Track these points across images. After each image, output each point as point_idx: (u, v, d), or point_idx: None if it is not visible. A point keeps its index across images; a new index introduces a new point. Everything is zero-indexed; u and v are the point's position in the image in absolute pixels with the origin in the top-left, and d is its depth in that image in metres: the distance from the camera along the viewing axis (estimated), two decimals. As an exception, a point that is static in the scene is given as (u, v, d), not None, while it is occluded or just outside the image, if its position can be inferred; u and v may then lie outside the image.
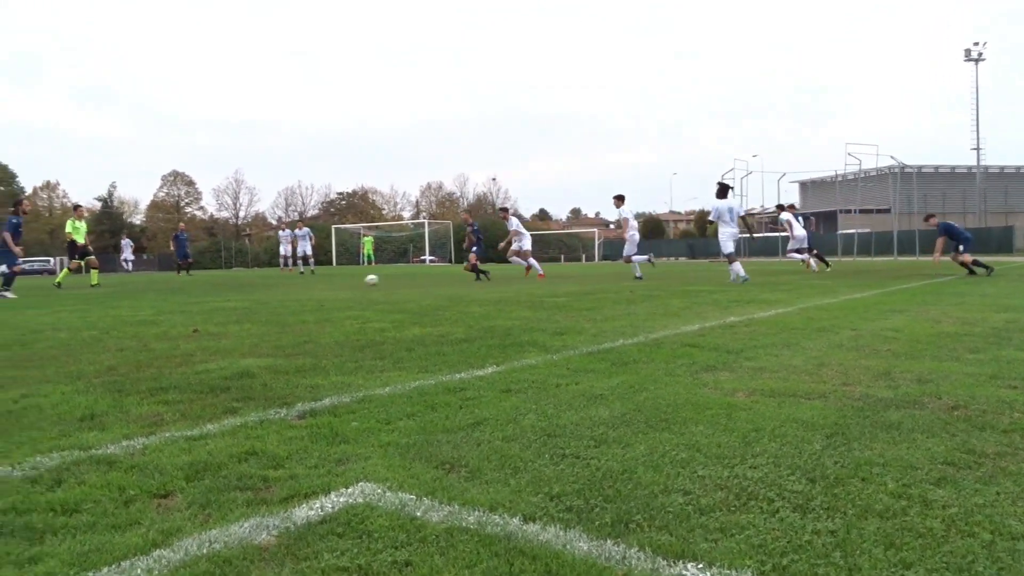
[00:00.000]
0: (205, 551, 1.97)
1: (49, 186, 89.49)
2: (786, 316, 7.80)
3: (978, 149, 65.69)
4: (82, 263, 19.88)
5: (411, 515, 2.21)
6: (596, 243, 67.60)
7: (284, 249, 32.16)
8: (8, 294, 14.88)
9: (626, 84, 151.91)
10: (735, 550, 1.94)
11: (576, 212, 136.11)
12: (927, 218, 18.06)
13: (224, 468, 2.68)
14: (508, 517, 2.18)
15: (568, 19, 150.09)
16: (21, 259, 16.48)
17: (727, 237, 15.67)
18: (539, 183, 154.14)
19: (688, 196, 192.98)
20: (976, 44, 65.54)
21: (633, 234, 18.14)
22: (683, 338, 6.02)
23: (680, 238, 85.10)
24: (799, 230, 21.34)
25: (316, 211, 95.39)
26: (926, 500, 2.28)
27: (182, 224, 41.15)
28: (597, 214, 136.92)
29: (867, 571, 1.81)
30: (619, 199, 17.79)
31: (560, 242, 70.47)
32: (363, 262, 47.76)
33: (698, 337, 6.07)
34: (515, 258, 20.48)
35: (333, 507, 2.28)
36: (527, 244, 20.14)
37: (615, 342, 5.80)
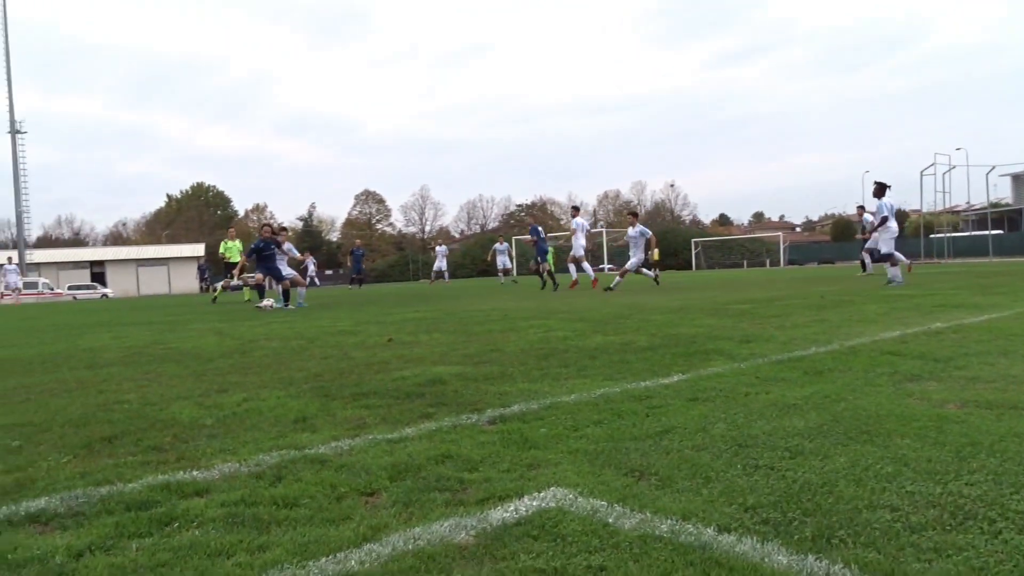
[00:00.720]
0: (411, 547, 2.09)
1: (258, 208, 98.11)
2: (1001, 321, 7.11)
3: None
4: (233, 279, 21.46)
5: (603, 521, 2.23)
6: (781, 247, 64.75)
7: (438, 264, 33.66)
8: (290, 305, 15.25)
9: (808, 79, 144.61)
10: (952, 572, 1.81)
11: (759, 216, 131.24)
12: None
13: (423, 469, 2.83)
14: (702, 527, 2.15)
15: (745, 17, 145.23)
16: (235, 280, 17.81)
17: (889, 236, 14.88)
18: (720, 188, 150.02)
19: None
20: None
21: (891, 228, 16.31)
22: (883, 345, 5.66)
23: (874, 239, 79.67)
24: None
25: (496, 223, 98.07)
26: None
27: (358, 241, 43.76)
28: (781, 217, 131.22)
29: (1113, 603, 1.63)
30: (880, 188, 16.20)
31: (742, 247, 68.21)
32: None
33: (900, 344, 5.68)
34: (570, 265, 20.35)
35: (527, 510, 2.35)
36: (579, 250, 19.95)
37: (807, 350, 5.55)
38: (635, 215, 19.37)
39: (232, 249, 21.95)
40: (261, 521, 2.35)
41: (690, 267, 58.51)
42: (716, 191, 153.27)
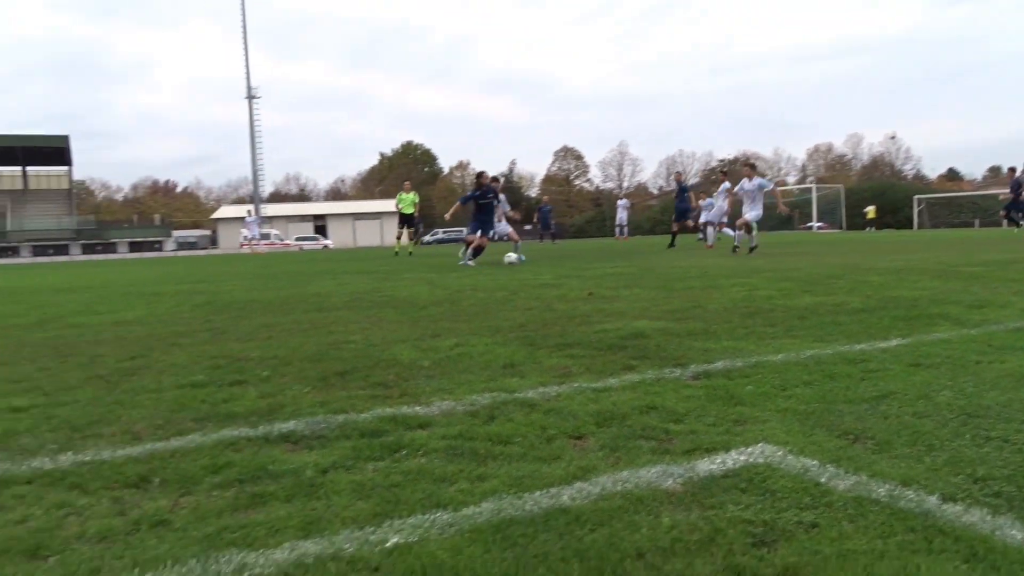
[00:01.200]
0: (619, 489, 2.16)
1: (462, 165, 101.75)
2: None
3: None
4: (407, 232, 21.94)
5: (815, 480, 2.19)
6: (1022, 205, 57.97)
7: (620, 217, 32.21)
8: (471, 263, 14.47)
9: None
10: None
11: (995, 170, 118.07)
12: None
13: (628, 418, 2.89)
14: (924, 494, 2.06)
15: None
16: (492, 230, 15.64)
17: None
18: (949, 140, 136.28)
19: None
20: None
21: None
22: None
23: None
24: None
25: (697, 179, 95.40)
26: None
27: (545, 197, 44.00)
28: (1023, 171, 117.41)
29: None
30: None
31: (974, 204, 61.79)
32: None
33: None
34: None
35: (734, 463, 2.35)
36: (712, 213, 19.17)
37: (1051, 318, 5.01)
38: (753, 167, 17.46)
39: (405, 201, 22.51)
40: (478, 455, 2.52)
41: (910, 226, 53.97)
42: (945, 143, 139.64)
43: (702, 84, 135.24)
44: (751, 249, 15.68)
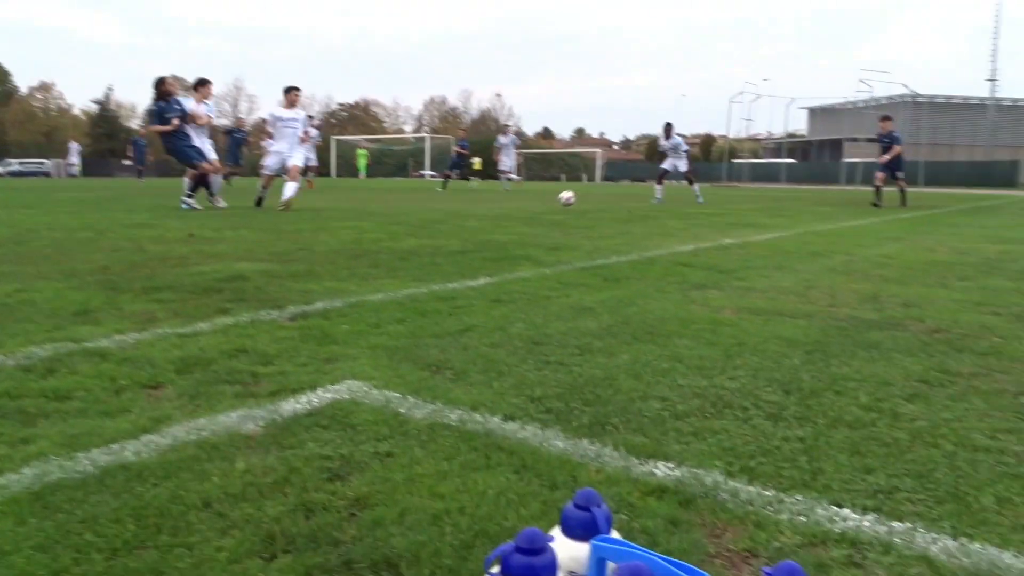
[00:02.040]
0: (193, 438, 2.03)
1: (44, 86, 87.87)
2: (782, 240, 7.81)
3: (993, 80, 64.36)
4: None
5: (395, 411, 2.27)
6: (598, 163, 66.96)
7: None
8: (193, 203, 11.36)
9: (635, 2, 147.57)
10: (705, 452, 2.00)
11: (580, 132, 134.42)
12: (883, 119, 16.44)
13: (214, 363, 2.74)
14: (489, 416, 2.24)
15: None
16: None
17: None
18: (544, 102, 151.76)
19: (695, 120, 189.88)
20: (999, -32, 63.45)
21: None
22: (677, 257, 6.05)
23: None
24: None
25: (319, 121, 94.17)
26: (896, 413, 2.34)
27: (141, 130, 40.74)
28: (601, 134, 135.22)
29: (830, 474, 1.87)
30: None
31: (562, 161, 69.80)
32: (360, 175, 47.29)
33: (692, 257, 6.10)
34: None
35: (319, 402, 2.34)
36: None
37: (608, 259, 5.83)
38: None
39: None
40: (27, 414, 2.19)
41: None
42: (541, 104, 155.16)
43: (326, 24, 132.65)
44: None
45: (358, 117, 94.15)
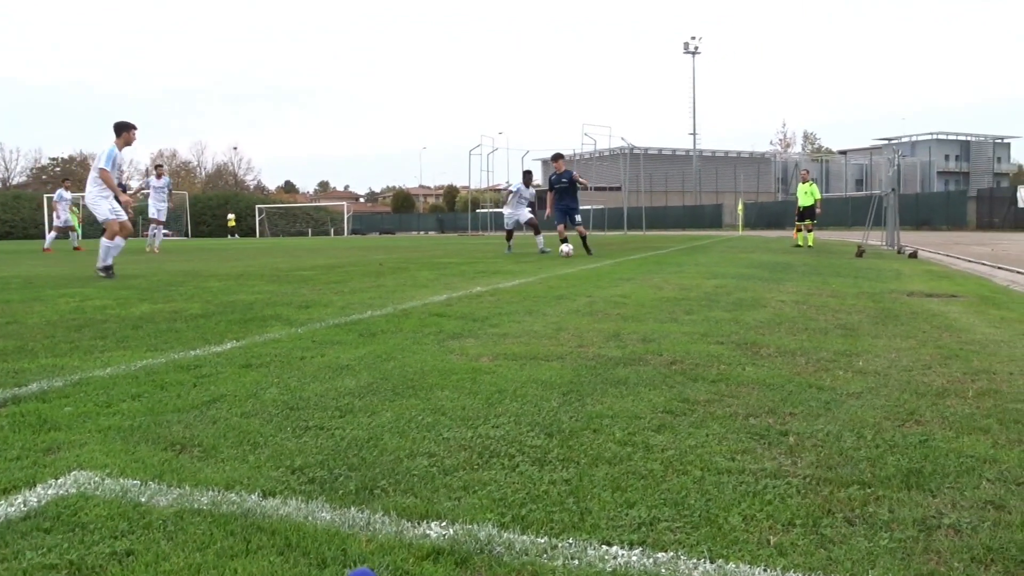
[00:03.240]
0: None
1: None
2: (528, 285, 8.16)
3: (695, 134, 72.88)
4: None
5: (134, 501, 2.01)
6: (345, 216, 66.49)
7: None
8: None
9: (378, 59, 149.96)
10: (477, 505, 1.98)
11: (324, 185, 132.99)
12: (555, 158, 16.02)
13: None
14: (246, 494, 2.06)
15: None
16: None
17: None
18: (286, 155, 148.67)
19: (438, 171, 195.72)
20: (693, 39, 72.45)
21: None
22: (431, 308, 6.09)
23: (430, 212, 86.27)
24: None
25: (24, 178, 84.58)
26: (648, 445, 2.48)
27: None
28: (347, 187, 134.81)
29: (597, 513, 1.93)
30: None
31: (308, 215, 68.41)
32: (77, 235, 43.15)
33: (445, 307, 6.17)
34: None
35: (39, 501, 2.02)
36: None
37: (363, 314, 5.73)
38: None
39: None
40: None
41: (254, 234, 57.03)
42: (282, 157, 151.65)
43: (40, 73, 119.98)
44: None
45: (75, 172, 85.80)
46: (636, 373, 3.57)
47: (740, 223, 48.37)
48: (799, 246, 18.71)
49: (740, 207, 49.18)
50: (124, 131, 9.64)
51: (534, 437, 2.58)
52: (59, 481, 2.17)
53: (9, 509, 1.97)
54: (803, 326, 5.07)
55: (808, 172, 20.75)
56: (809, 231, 19.17)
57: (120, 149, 9.66)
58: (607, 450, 2.43)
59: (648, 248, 18.18)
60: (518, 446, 2.48)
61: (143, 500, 2.03)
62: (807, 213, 19.09)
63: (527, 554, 1.70)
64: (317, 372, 3.63)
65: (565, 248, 14.08)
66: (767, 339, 4.52)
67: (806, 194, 19.18)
